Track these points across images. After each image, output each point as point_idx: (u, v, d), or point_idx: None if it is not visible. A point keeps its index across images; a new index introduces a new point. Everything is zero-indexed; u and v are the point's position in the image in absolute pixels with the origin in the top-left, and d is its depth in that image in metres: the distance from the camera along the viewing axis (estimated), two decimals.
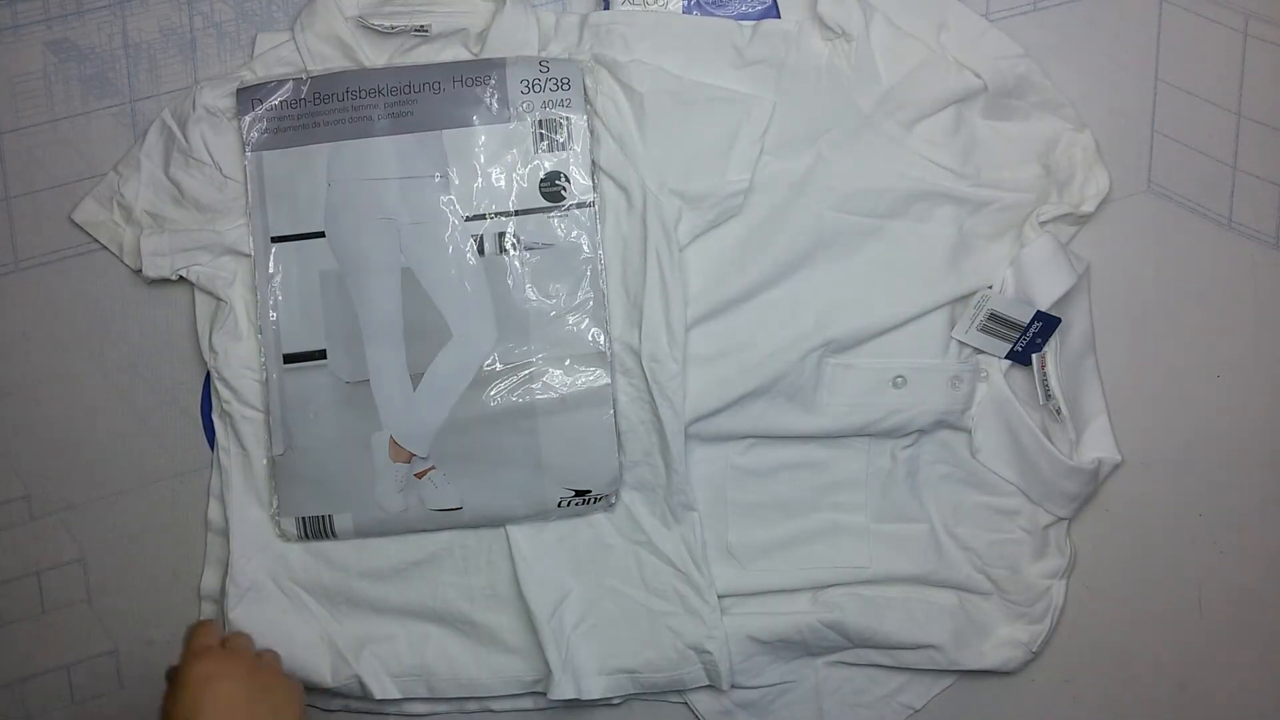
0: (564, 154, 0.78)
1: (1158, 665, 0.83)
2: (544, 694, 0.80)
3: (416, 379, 0.78)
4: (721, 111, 0.77)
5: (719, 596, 0.80)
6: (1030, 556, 0.80)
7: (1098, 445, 0.80)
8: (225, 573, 0.80)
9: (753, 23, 0.78)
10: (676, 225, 0.78)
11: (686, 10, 0.80)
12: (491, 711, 0.83)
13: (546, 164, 0.78)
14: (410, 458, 0.78)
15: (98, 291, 0.83)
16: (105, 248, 0.82)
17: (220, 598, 0.81)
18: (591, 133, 0.78)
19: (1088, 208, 0.79)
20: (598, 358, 0.78)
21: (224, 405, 0.80)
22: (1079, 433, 0.80)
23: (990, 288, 0.78)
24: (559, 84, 0.77)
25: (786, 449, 0.80)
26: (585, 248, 0.78)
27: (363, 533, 0.80)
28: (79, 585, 0.84)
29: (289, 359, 0.78)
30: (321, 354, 0.78)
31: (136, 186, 0.80)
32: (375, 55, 0.80)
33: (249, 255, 0.79)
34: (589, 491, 0.79)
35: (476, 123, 0.77)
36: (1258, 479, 0.81)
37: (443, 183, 0.78)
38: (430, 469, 0.78)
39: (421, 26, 0.79)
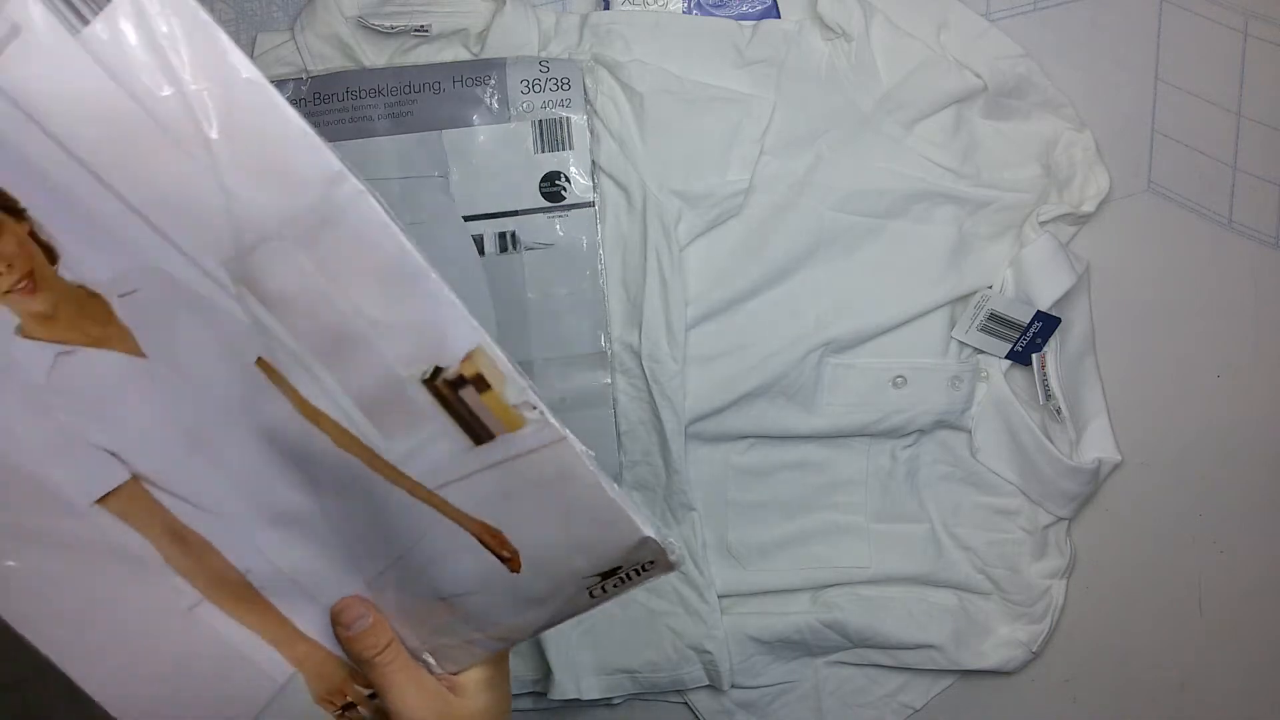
0: (564, 154, 0.78)
1: (1158, 665, 0.83)
2: (544, 694, 0.80)
3: None
4: (721, 111, 0.77)
5: (719, 596, 0.80)
6: (1030, 556, 0.80)
7: (1098, 445, 0.80)
8: None
9: (753, 23, 0.78)
10: (676, 225, 0.78)
11: (686, 10, 0.80)
12: None
13: (546, 164, 0.78)
14: None
15: None
16: None
17: None
18: (591, 133, 0.78)
19: (1088, 208, 0.79)
20: (598, 357, 0.78)
21: None
22: (1079, 433, 0.80)
23: (990, 288, 0.78)
24: (559, 84, 0.77)
25: (786, 449, 0.80)
26: (585, 247, 0.78)
27: None
28: None
29: None
30: None
31: None
32: (375, 55, 0.80)
33: None
34: None
35: (476, 123, 0.77)
36: (1258, 479, 0.81)
37: (443, 183, 0.78)
38: None
39: (421, 26, 0.79)
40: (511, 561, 0.49)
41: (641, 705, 0.83)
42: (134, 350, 0.46)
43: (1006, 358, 0.79)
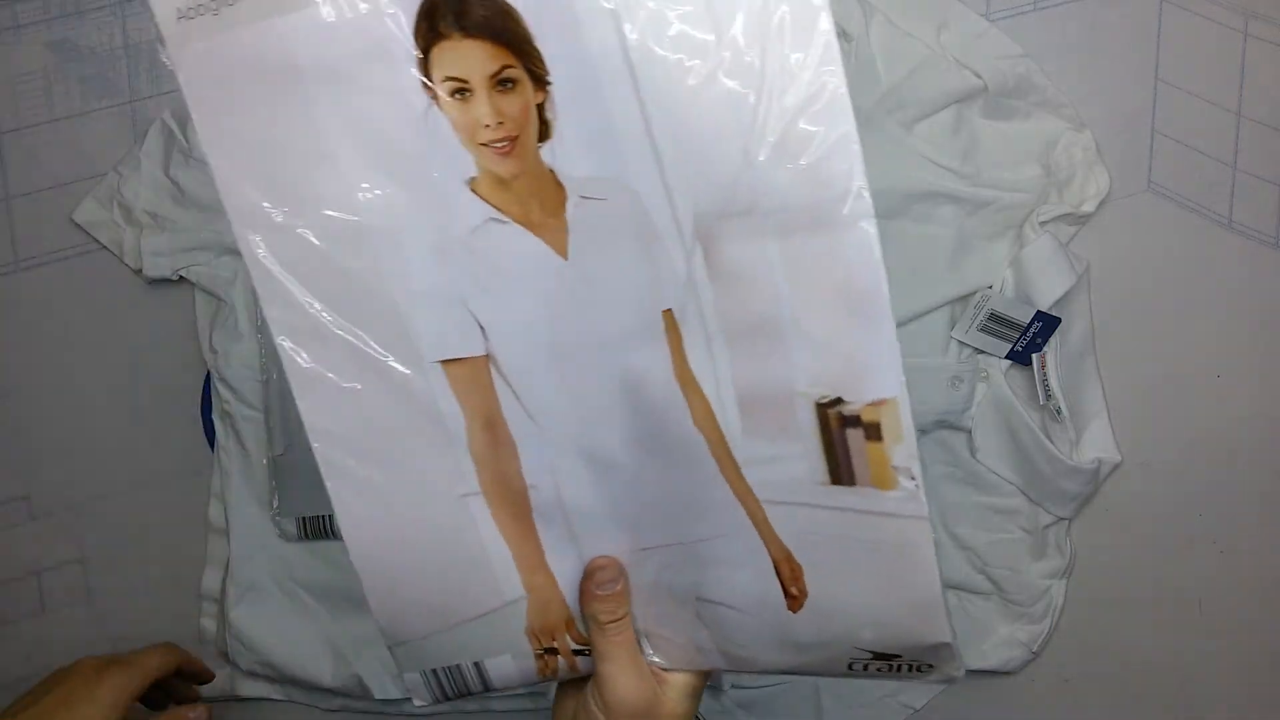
0: None
1: (1158, 665, 0.83)
2: (544, 694, 0.80)
3: None
4: None
5: None
6: (1030, 556, 0.80)
7: (1098, 445, 0.80)
8: (225, 573, 0.80)
9: None
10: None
11: None
12: (492, 711, 0.83)
13: None
14: None
15: (98, 291, 0.83)
16: (105, 248, 0.82)
17: (220, 598, 0.81)
18: None
19: (1088, 208, 0.79)
20: None
21: (224, 405, 0.80)
22: (1079, 433, 0.80)
23: (990, 288, 0.78)
24: None
25: None
26: None
27: None
28: (79, 585, 0.84)
29: None
30: None
31: (136, 186, 0.80)
32: None
33: None
34: None
35: None
36: (1258, 479, 0.81)
37: None
38: None
39: None
40: (795, 601, 0.48)
41: None
42: (560, 249, 0.46)
43: (1006, 358, 0.79)
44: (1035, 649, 0.80)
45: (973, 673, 0.81)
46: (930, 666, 0.49)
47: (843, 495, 0.46)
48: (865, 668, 0.49)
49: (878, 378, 0.44)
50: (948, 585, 0.80)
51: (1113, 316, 0.81)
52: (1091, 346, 0.81)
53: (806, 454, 0.46)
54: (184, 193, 0.79)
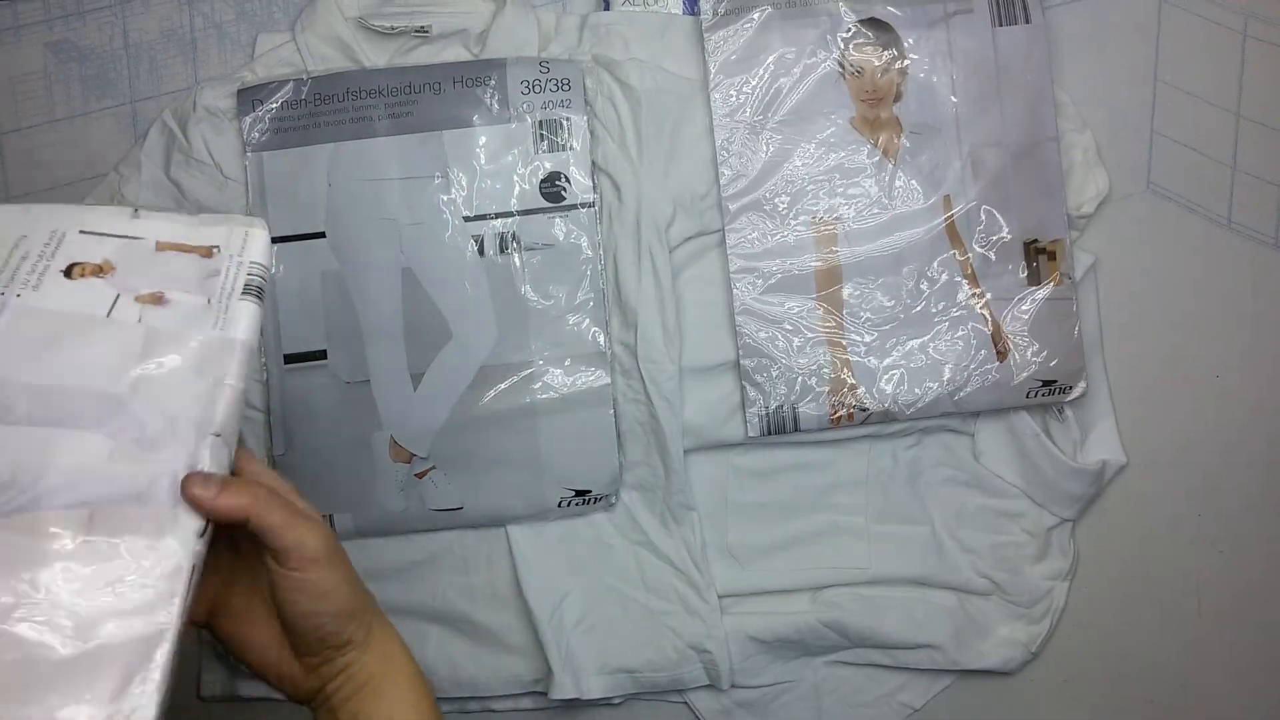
0: (564, 154, 0.78)
1: (1158, 665, 0.83)
2: (544, 694, 0.80)
3: (417, 379, 0.78)
4: None
5: (719, 596, 0.80)
6: (1033, 558, 0.80)
7: (1104, 446, 0.80)
8: None
9: None
10: (668, 227, 0.78)
11: (686, 11, 0.80)
12: (492, 711, 0.83)
13: (547, 164, 0.78)
14: (410, 458, 0.78)
15: None
16: None
17: None
18: (591, 133, 0.78)
19: (1088, 209, 0.79)
20: (598, 357, 0.78)
21: None
22: (1085, 433, 0.80)
23: None
24: (559, 84, 0.77)
25: (787, 450, 0.80)
26: (585, 248, 0.78)
27: (363, 533, 0.80)
28: None
29: (289, 359, 0.78)
30: (322, 354, 0.78)
31: (137, 187, 0.80)
32: (376, 56, 0.80)
33: None
34: (589, 491, 0.79)
35: (477, 123, 0.78)
36: (1258, 479, 0.81)
37: (443, 183, 0.78)
38: (430, 469, 0.79)
39: (422, 27, 0.79)
40: (1002, 355, 0.77)
41: (641, 705, 0.83)
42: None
43: None
44: (1035, 649, 0.80)
45: (972, 673, 0.81)
46: (1072, 388, 0.78)
47: (1039, 290, 0.78)
48: (1036, 394, 0.77)
49: (1051, 226, 0.78)
50: (948, 587, 0.80)
51: (1113, 316, 0.81)
52: (1099, 347, 0.81)
53: (1017, 269, 0.78)
54: (184, 193, 0.79)
